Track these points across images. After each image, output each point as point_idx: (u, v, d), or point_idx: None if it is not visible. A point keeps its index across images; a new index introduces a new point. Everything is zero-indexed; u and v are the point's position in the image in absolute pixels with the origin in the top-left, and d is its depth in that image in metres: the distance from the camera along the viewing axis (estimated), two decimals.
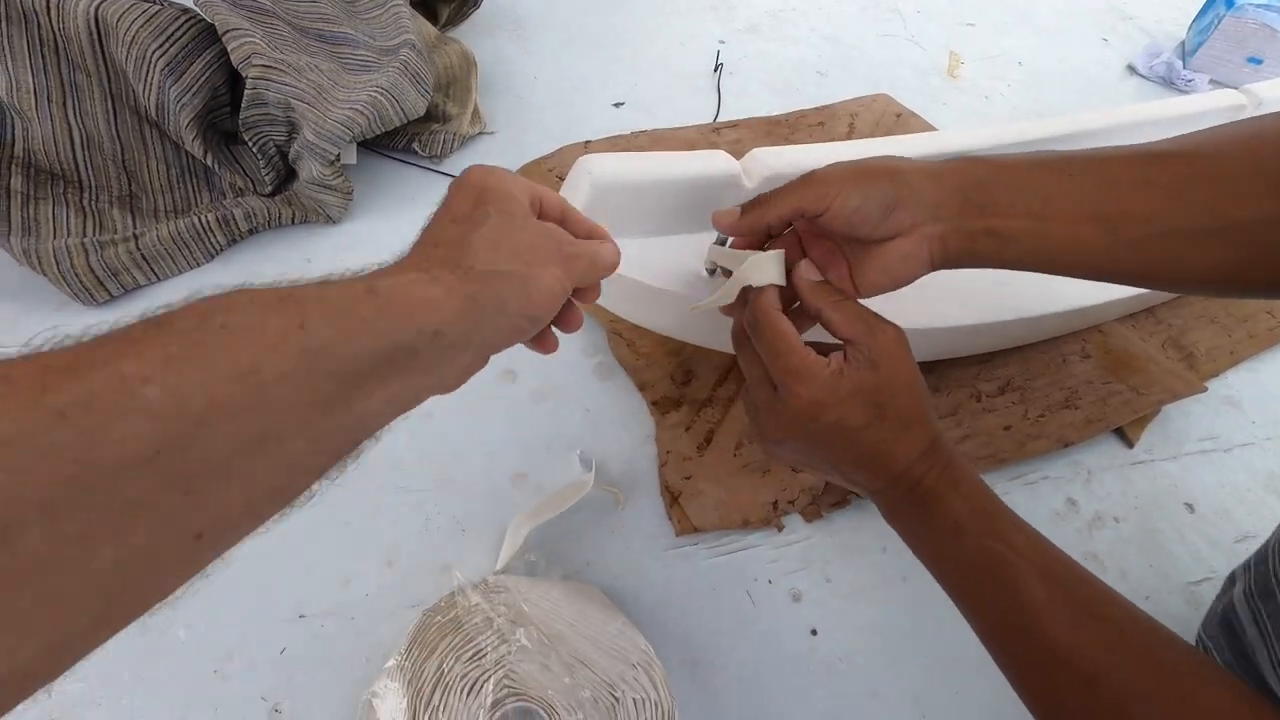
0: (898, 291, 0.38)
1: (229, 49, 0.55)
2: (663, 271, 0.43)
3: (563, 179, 0.42)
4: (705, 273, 0.43)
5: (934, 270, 0.36)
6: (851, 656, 0.42)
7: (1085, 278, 0.36)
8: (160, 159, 0.58)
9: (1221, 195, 0.32)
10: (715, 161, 0.45)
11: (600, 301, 0.52)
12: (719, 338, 0.50)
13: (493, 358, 0.28)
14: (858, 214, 0.34)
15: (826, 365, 0.33)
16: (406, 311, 0.22)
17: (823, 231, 0.36)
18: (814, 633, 0.43)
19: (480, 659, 0.37)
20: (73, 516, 0.15)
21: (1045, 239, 0.34)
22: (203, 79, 0.56)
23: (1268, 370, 0.62)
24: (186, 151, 0.58)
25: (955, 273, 0.47)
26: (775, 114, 0.79)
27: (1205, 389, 0.57)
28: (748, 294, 0.36)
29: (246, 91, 0.55)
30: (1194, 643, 0.43)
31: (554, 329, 0.33)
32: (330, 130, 0.55)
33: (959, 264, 0.36)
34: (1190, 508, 0.52)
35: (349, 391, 0.20)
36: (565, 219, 0.32)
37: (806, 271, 0.36)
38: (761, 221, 0.36)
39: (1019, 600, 0.30)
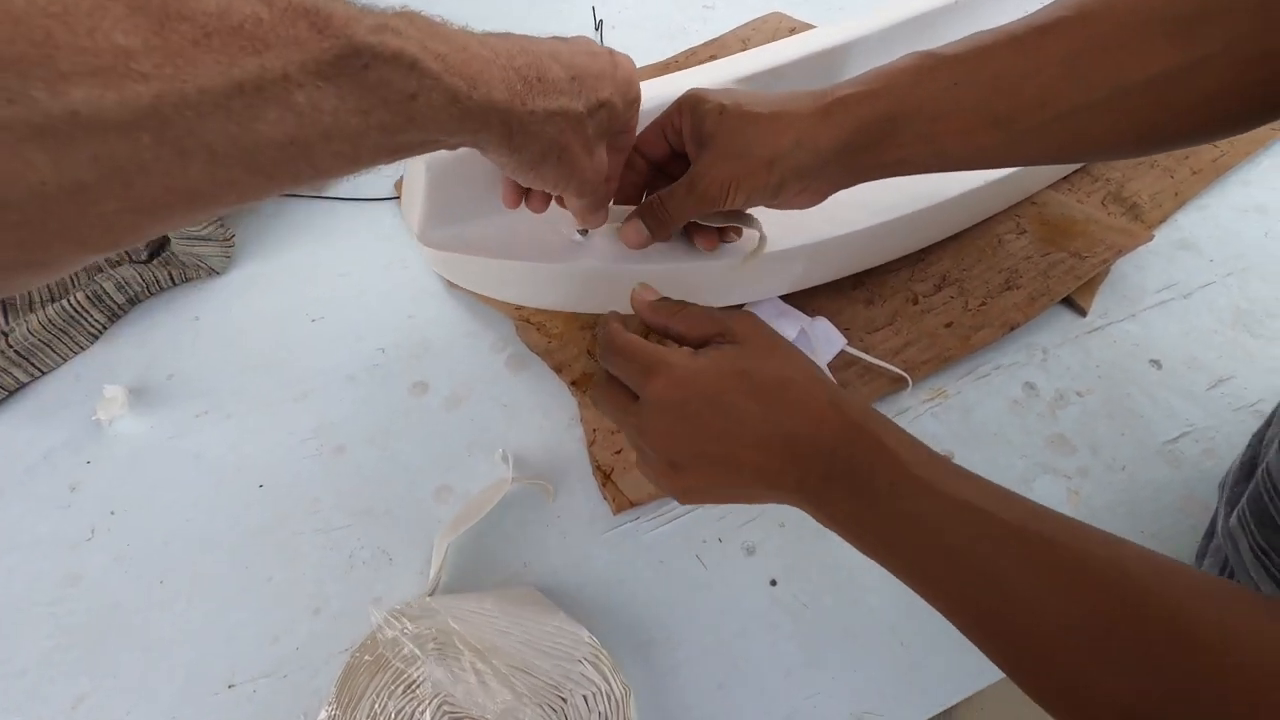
0: (801, 213, 0.39)
1: None
2: (537, 243, 0.41)
3: None
4: (578, 235, 0.40)
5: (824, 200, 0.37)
6: (818, 599, 0.40)
7: (986, 168, 0.35)
8: None
9: (1114, 60, 0.30)
10: None
11: (486, 291, 0.49)
12: (620, 300, 0.47)
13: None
14: (748, 205, 0.37)
15: (684, 353, 0.30)
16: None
17: None
18: (773, 583, 0.40)
19: (413, 691, 0.34)
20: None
21: (942, 156, 0.34)
22: None
23: (1218, 203, 0.59)
24: None
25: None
26: (666, 58, 0.75)
27: (1152, 237, 0.54)
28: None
29: None
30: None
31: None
32: None
33: (856, 185, 0.37)
34: (1157, 364, 0.49)
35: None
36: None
37: (642, 293, 0.34)
38: (665, 237, 0.38)
39: (991, 567, 0.25)
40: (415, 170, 0.37)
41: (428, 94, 0.23)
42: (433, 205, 0.37)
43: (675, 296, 0.45)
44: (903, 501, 0.26)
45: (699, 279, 0.44)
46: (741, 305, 0.49)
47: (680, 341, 0.32)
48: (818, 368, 0.31)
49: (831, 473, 0.28)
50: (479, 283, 0.46)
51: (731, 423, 0.28)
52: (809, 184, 0.36)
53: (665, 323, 0.33)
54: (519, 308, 0.52)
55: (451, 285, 0.54)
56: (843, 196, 0.46)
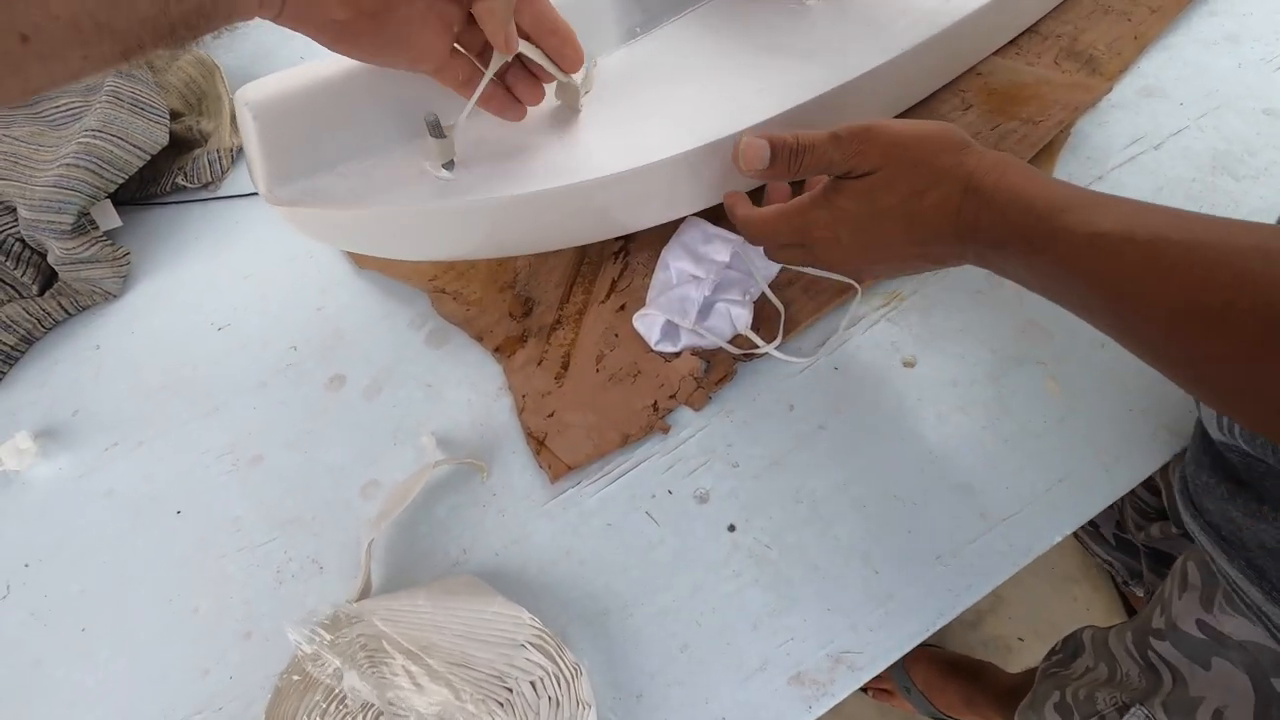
0: (697, 107, 0.37)
1: None
2: (399, 187, 0.36)
3: None
4: (444, 173, 0.36)
5: None
6: (780, 538, 0.36)
7: None
8: None
9: None
10: None
11: (359, 248, 0.44)
12: (502, 235, 0.41)
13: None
14: None
15: (821, 208, 0.32)
16: None
17: None
18: (731, 529, 0.37)
19: (346, 705, 0.32)
20: None
21: None
22: None
23: (1183, 41, 0.53)
24: None
25: (755, 56, 0.39)
26: None
27: (1110, 88, 0.49)
28: None
29: None
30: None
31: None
32: (45, 198, 0.48)
33: None
34: None
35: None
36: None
37: (752, 154, 0.33)
38: (793, 175, 0.33)
39: (1113, 279, 0.25)
40: (245, 121, 0.33)
41: None
42: (270, 158, 0.33)
43: (568, 217, 0.41)
44: (1039, 255, 0.27)
45: (592, 199, 0.39)
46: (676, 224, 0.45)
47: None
48: (949, 151, 0.30)
49: (982, 250, 0.30)
50: (352, 240, 0.42)
51: (894, 250, 0.32)
52: None
53: (794, 175, 0.33)
54: (432, 279, 0.48)
55: (360, 266, 0.50)
56: (755, 78, 0.41)
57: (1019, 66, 0.52)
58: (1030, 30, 0.55)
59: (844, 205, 0.31)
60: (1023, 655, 0.93)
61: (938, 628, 0.33)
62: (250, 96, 0.32)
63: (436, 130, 0.34)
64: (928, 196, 0.30)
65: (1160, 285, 0.24)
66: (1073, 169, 0.47)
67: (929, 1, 0.45)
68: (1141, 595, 0.75)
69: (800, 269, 0.38)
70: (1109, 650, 0.51)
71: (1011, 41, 0.54)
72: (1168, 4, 0.54)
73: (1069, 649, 0.60)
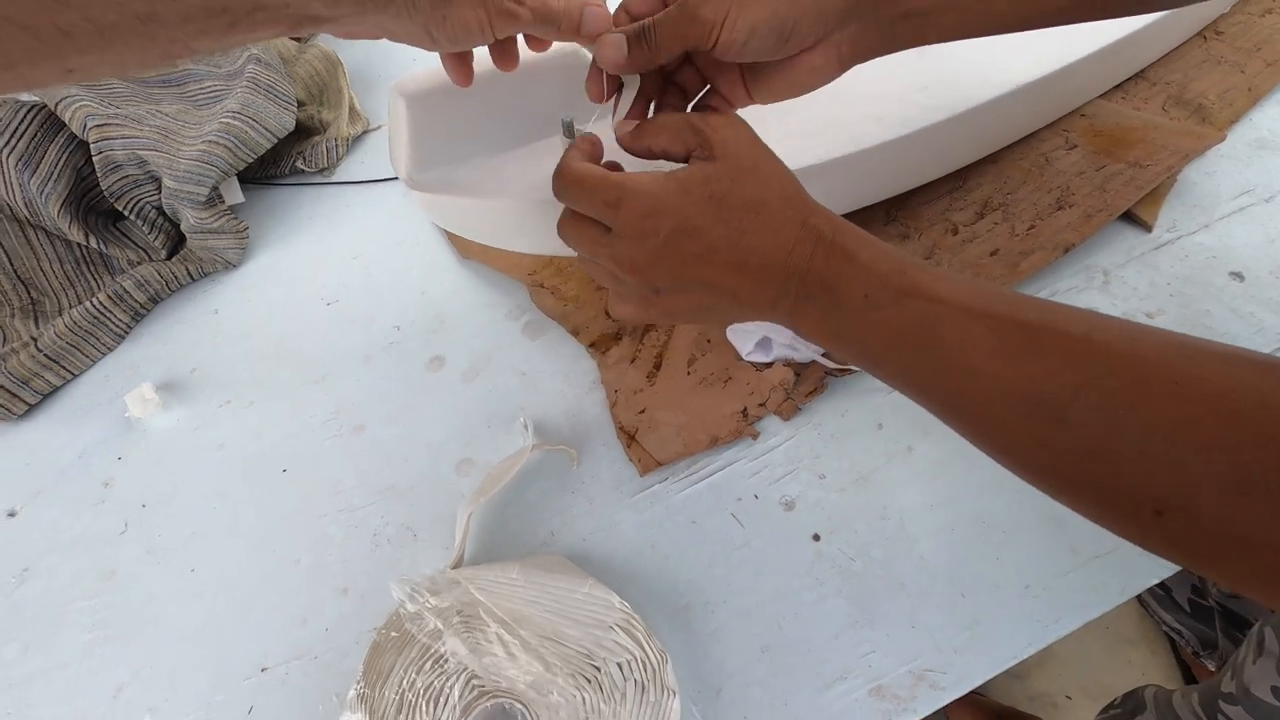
0: (808, 126, 0.36)
1: (65, 120, 0.52)
2: (527, 182, 0.38)
3: None
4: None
5: (845, 71, 0.31)
6: (865, 551, 0.37)
7: (1021, 29, 0.31)
8: (52, 258, 0.56)
9: None
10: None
11: (483, 239, 0.46)
12: None
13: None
14: (749, 46, 0.29)
15: (651, 178, 0.28)
16: None
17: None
18: (816, 538, 0.37)
19: (441, 665, 0.33)
20: None
21: (964, 7, 0.30)
22: (60, 163, 0.54)
23: None
24: (76, 243, 0.56)
25: (872, 83, 0.40)
26: None
27: (1224, 138, 0.48)
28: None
29: (95, 159, 0.52)
30: None
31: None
32: (187, 170, 0.52)
33: (872, 57, 0.31)
34: (1239, 276, 0.44)
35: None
36: None
37: (623, 129, 0.31)
38: (651, 64, 0.30)
39: (957, 351, 0.25)
40: (397, 110, 0.35)
41: None
42: (417, 146, 0.36)
43: None
44: (877, 312, 0.26)
45: None
46: None
47: (664, 157, 0.31)
48: (795, 183, 0.29)
49: (805, 292, 0.28)
50: (474, 229, 0.44)
51: (705, 248, 0.28)
52: (825, 34, 0.29)
53: (646, 145, 0.31)
54: (532, 273, 0.50)
55: (464, 256, 0.53)
56: (867, 105, 0.42)
57: (1125, 110, 0.52)
58: (1137, 76, 0.55)
59: (673, 195, 0.28)
60: (1070, 714, 0.90)
61: (1025, 656, 0.33)
62: (407, 87, 0.35)
63: (570, 131, 0.36)
64: (764, 214, 0.27)
65: (1010, 367, 0.24)
66: (1179, 215, 0.47)
67: (1046, 43, 0.46)
68: (1214, 669, 0.72)
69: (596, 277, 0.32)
70: (1174, 711, 0.50)
71: (1118, 85, 0.54)
72: None
73: (1129, 705, 0.58)
